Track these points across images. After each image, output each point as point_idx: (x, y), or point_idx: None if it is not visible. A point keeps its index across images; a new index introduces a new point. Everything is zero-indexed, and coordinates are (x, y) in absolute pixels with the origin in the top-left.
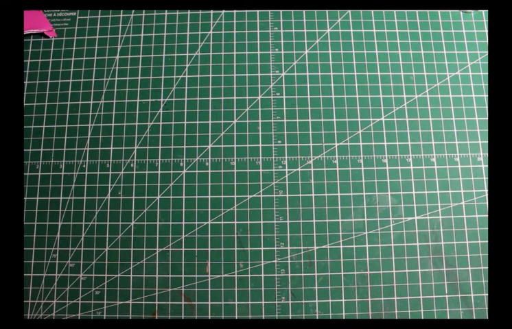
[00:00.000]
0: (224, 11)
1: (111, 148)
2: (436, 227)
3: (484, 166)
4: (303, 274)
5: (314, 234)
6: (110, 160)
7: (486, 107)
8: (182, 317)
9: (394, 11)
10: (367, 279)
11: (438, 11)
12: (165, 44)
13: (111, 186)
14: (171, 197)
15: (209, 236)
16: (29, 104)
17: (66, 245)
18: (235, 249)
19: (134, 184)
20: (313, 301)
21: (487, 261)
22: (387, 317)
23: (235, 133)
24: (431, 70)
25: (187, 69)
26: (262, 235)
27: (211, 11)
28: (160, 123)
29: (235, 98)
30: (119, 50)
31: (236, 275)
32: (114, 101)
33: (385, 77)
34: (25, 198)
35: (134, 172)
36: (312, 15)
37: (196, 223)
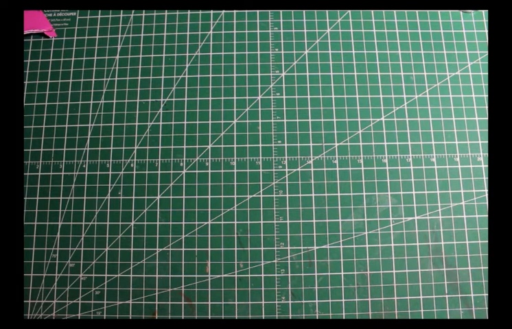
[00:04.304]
0: (224, 11)
1: (111, 148)
2: (436, 227)
3: (484, 166)
4: (302, 274)
5: (314, 234)
6: (110, 160)
7: (486, 107)
8: (182, 317)
9: (394, 11)
10: (367, 279)
11: (438, 11)
12: (165, 44)
13: (111, 186)
14: (171, 197)
15: (209, 236)
16: (29, 104)
17: (66, 245)
18: (235, 249)
19: (134, 184)
20: (313, 301)
21: (487, 261)
22: (387, 317)
23: (235, 133)
24: (431, 70)
25: (186, 69)
26: (262, 235)
27: (211, 11)
28: (160, 123)
29: (235, 98)
30: (119, 50)
31: (236, 275)
32: (114, 101)
33: (385, 77)
34: (25, 198)
35: (134, 172)
36: (312, 15)
37: (196, 223)
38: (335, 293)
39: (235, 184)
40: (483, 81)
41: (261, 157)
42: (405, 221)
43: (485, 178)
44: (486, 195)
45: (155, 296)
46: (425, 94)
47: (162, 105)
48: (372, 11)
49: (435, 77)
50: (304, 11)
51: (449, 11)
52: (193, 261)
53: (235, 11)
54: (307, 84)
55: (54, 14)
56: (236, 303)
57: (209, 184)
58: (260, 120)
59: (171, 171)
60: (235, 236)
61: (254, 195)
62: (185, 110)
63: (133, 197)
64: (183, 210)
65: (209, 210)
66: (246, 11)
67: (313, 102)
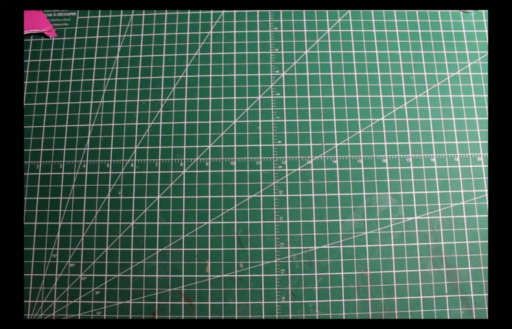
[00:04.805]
0: (224, 11)
1: (111, 148)
2: (436, 227)
3: (484, 166)
4: (302, 274)
5: (314, 234)
6: (110, 160)
7: (486, 107)
8: (182, 317)
9: (394, 11)
10: (367, 279)
11: (438, 11)
12: (165, 44)
13: (111, 186)
14: (171, 197)
15: (209, 236)
16: (29, 104)
17: (66, 245)
18: (235, 249)
19: (134, 184)
20: (313, 301)
21: (487, 261)
22: (387, 317)
23: (235, 133)
24: (431, 70)
25: (186, 69)
26: (262, 235)
27: (211, 11)
28: (160, 123)
29: (235, 98)
30: (119, 50)
31: (236, 275)
32: (114, 101)
33: (385, 77)
34: (25, 198)
35: (134, 172)
36: (312, 15)
37: (196, 223)
38: (335, 293)
39: (235, 184)
40: (483, 81)
41: (261, 157)
42: (405, 221)
43: (485, 178)
44: (486, 195)
45: (155, 296)
46: (425, 94)
47: (162, 105)
48: (372, 11)
49: (435, 77)
50: (304, 11)
51: (449, 11)
52: (193, 261)
53: (235, 11)
54: (307, 84)
55: (54, 14)
56: (236, 303)
57: (209, 184)
58: (260, 120)
59: (171, 171)
60: (235, 236)
61: (254, 195)
62: (185, 110)
63: (133, 197)
64: (183, 210)
65: (209, 210)
66: (246, 11)
67: (313, 102)
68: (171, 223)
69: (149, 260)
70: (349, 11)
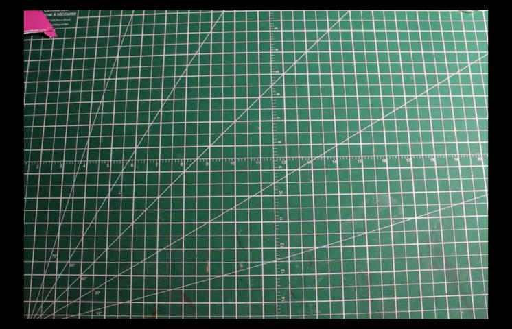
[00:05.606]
0: (224, 11)
1: (111, 148)
2: (436, 227)
3: (484, 166)
4: (302, 274)
5: (314, 234)
6: (110, 160)
7: (486, 107)
8: (182, 317)
9: (394, 11)
10: (367, 279)
11: (438, 11)
12: (165, 44)
13: (111, 186)
14: (171, 197)
15: (209, 236)
16: (29, 104)
17: (66, 245)
18: (235, 249)
19: (134, 184)
20: (313, 301)
21: (487, 261)
22: (387, 317)
23: (235, 133)
24: (431, 70)
25: (187, 69)
26: (262, 235)
27: (211, 11)
28: (160, 123)
29: (235, 98)
30: (119, 50)
31: (236, 275)
32: (114, 101)
33: (385, 77)
34: (25, 198)
35: (134, 172)
36: (312, 15)
37: (196, 223)
38: (335, 293)
39: (235, 184)
40: (483, 81)
41: (261, 157)
42: (405, 221)
43: (485, 178)
44: (486, 195)
45: (155, 296)
46: (425, 94)
47: (162, 105)
48: (372, 11)
49: (435, 77)
50: (304, 11)
51: (449, 11)
52: (193, 261)
53: (235, 11)
54: (307, 84)
55: (54, 14)
56: (236, 303)
57: (209, 184)
58: (260, 120)
59: (171, 171)
60: (235, 236)
61: (254, 195)
62: (185, 110)
63: (133, 197)
64: (183, 210)
65: (209, 210)
66: (246, 11)
67: (313, 102)
68: (171, 223)
69: (149, 260)
70: (349, 11)
